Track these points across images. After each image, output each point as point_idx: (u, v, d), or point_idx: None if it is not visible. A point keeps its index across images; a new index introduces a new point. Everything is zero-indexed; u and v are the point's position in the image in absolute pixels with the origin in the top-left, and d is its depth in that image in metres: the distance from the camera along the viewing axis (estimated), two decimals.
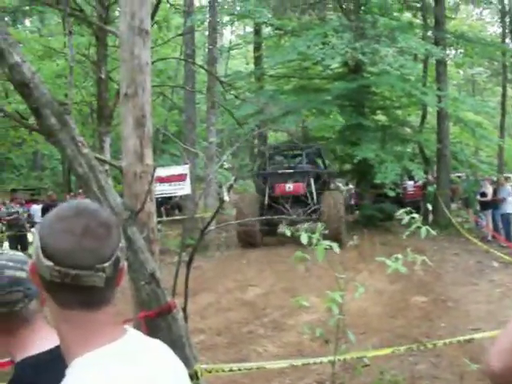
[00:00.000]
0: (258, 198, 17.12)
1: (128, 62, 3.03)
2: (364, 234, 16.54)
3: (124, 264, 1.32)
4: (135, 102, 2.99)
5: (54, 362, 1.57)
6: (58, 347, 1.52)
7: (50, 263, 1.21)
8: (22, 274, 1.74)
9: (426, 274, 11.61)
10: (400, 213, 3.51)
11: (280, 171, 17.54)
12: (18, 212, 16.19)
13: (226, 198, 2.91)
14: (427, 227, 3.32)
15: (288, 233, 3.45)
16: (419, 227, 3.27)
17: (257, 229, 16.02)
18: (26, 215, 16.67)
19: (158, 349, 1.41)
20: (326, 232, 3.55)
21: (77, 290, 1.23)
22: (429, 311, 9.60)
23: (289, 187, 16.86)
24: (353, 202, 24.05)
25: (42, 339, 1.74)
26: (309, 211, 16.56)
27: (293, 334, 8.66)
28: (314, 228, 3.60)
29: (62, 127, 2.70)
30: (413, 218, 3.31)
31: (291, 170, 17.52)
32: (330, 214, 15.29)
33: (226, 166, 28.59)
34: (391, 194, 18.07)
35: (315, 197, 16.91)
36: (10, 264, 1.74)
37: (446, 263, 13.74)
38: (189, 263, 3.15)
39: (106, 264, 1.24)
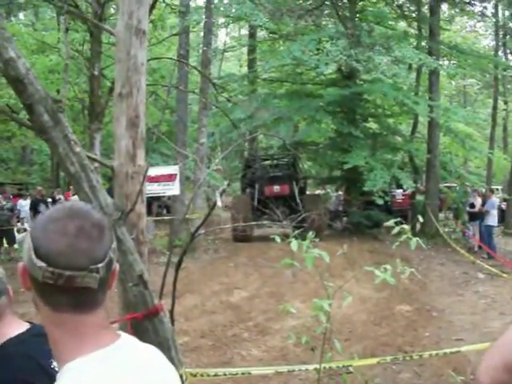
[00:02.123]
0: (250, 200, 18.88)
1: (124, 62, 3.01)
2: (352, 241, 16.59)
3: (116, 266, 1.30)
4: (129, 102, 2.97)
5: (31, 338, 1.86)
6: (28, 330, 1.89)
7: (43, 264, 1.19)
8: None
9: (411, 283, 11.66)
10: (389, 222, 3.51)
11: (271, 174, 19.61)
12: (2, 207, 16.12)
13: (219, 202, 2.90)
14: (417, 238, 3.33)
15: (278, 240, 3.43)
16: (409, 238, 3.28)
17: (251, 229, 18.15)
18: (11, 210, 16.54)
19: (152, 354, 1.39)
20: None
21: (69, 291, 1.21)
22: (413, 320, 9.63)
23: (276, 188, 19.15)
24: (341, 208, 24.05)
25: (14, 331, 1.89)
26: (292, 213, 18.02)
27: (277, 339, 8.67)
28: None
29: (55, 125, 2.68)
30: (403, 228, 3.31)
31: (279, 174, 19.82)
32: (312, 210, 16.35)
33: (215, 167, 28.53)
34: (380, 201, 18.07)
35: (297, 198, 18.90)
36: None
37: (432, 273, 13.80)
38: (177, 266, 3.14)
39: (100, 265, 1.22)
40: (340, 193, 25.39)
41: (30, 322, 2.02)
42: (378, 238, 18.44)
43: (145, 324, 2.79)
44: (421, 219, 11.36)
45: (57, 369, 1.77)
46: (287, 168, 20.54)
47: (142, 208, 3.00)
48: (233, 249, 16.37)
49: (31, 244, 1.22)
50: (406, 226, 3.31)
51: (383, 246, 16.30)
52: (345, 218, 22.20)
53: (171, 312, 3.10)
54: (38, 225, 1.25)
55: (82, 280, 1.20)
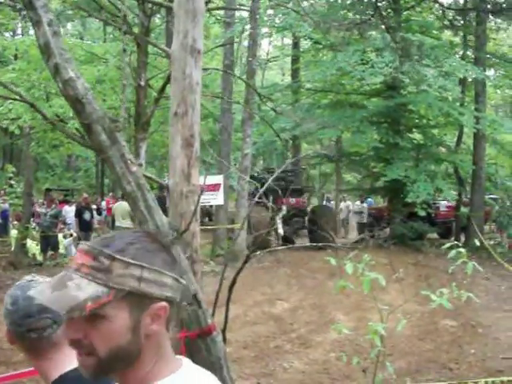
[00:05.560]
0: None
1: (179, 82, 3.04)
2: (390, 251, 16.40)
3: None
4: (184, 121, 3.00)
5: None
6: None
7: None
8: None
9: (455, 297, 11.44)
10: (446, 246, 3.45)
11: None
12: (45, 214, 16.48)
13: (281, 230, 2.91)
14: (474, 263, 3.27)
15: (333, 262, 3.42)
16: (465, 262, 3.22)
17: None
18: (55, 217, 16.84)
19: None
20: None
21: None
22: (458, 336, 9.46)
23: (291, 200, 20.51)
24: (365, 220, 24.20)
25: (72, 361, 1.83)
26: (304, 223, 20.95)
27: (320, 351, 8.63)
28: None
29: (112, 144, 2.73)
30: (459, 252, 3.26)
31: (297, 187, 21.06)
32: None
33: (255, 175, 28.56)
34: (421, 213, 17.71)
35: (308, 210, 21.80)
36: None
37: (477, 287, 13.51)
38: (231, 287, 3.16)
39: None
40: (364, 205, 25.24)
41: None
42: (421, 250, 18.17)
43: (198, 343, 2.81)
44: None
45: None
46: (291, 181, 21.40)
47: (196, 227, 3.03)
48: (275, 259, 16.31)
49: None
50: (463, 250, 3.25)
51: (427, 259, 16.08)
52: (387, 230, 21.90)
53: (223, 331, 3.12)
54: None
55: None
